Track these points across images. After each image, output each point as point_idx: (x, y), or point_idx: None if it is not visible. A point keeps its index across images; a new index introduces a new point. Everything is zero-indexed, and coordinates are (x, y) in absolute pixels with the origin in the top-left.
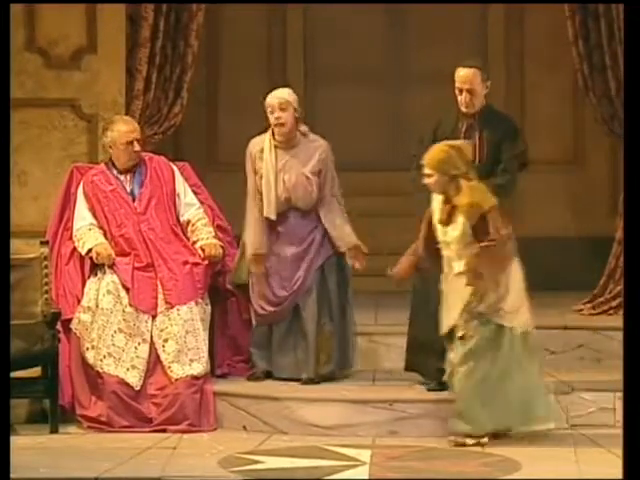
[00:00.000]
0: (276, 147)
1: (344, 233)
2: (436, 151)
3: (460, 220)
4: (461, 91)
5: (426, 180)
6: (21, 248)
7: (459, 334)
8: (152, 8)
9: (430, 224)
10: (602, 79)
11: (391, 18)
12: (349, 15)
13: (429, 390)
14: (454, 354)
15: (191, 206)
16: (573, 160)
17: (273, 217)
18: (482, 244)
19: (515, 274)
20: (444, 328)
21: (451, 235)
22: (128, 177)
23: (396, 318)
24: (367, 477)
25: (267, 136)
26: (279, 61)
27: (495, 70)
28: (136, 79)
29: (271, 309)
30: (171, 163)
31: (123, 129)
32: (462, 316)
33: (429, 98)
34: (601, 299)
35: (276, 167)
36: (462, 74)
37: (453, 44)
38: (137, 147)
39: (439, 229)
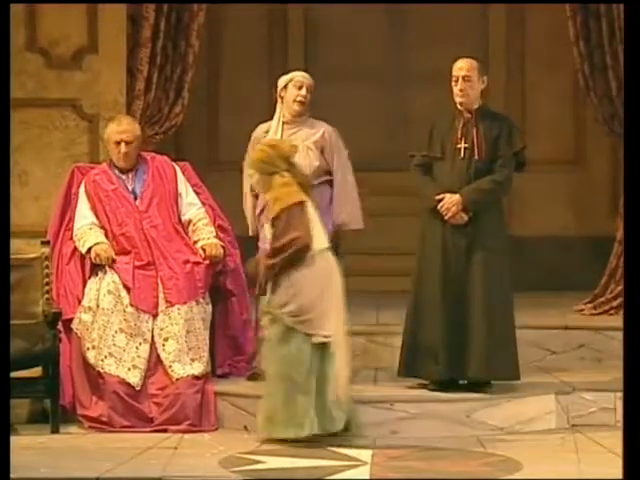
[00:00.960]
0: (284, 123)
1: (336, 209)
2: (255, 151)
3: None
4: (457, 81)
5: (250, 180)
6: (22, 248)
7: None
8: (153, 8)
9: None
10: (603, 79)
11: (392, 18)
12: (350, 15)
13: (430, 390)
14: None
15: (192, 206)
16: (574, 160)
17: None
18: (266, 242)
19: (310, 281)
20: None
21: (266, 230)
22: (130, 176)
23: (397, 318)
24: (368, 477)
25: (275, 117)
26: (280, 61)
27: (496, 70)
28: (137, 79)
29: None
30: (173, 163)
31: (114, 128)
32: (263, 312)
33: (429, 98)
34: (602, 299)
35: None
36: (459, 63)
37: (454, 44)
38: (124, 149)
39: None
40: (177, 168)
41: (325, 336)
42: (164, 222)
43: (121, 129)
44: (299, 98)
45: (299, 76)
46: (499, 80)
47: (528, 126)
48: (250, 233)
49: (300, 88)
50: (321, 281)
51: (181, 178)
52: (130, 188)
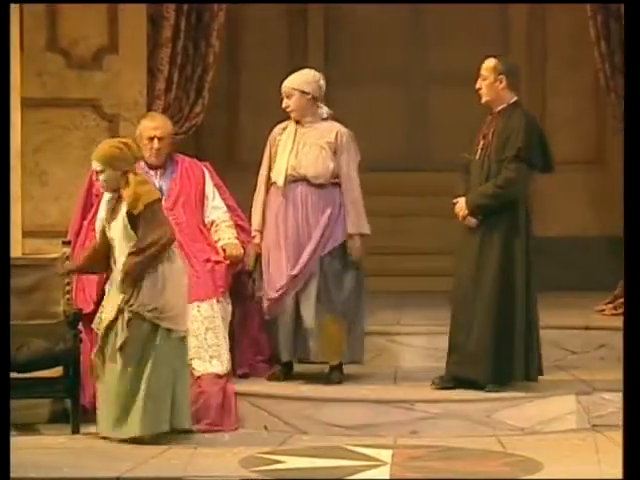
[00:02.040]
0: (297, 122)
1: (350, 218)
2: (107, 147)
3: (121, 213)
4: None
5: (98, 176)
6: (43, 248)
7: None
8: (173, 8)
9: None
10: (624, 79)
11: (413, 17)
12: (370, 14)
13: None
14: (107, 349)
15: (218, 209)
16: (594, 160)
17: (280, 183)
18: (130, 245)
19: (173, 277)
20: (103, 322)
21: (114, 229)
22: (158, 173)
23: (418, 318)
24: (388, 477)
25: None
26: (300, 61)
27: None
28: (157, 79)
29: (273, 295)
30: (203, 166)
31: (147, 124)
32: (119, 312)
33: (450, 98)
34: (623, 299)
35: (294, 139)
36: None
37: (475, 44)
38: (156, 145)
39: (107, 227)
40: (206, 171)
41: (185, 331)
42: (188, 221)
43: (154, 125)
44: (286, 108)
45: (282, 89)
46: (520, 80)
47: (549, 126)
48: (256, 227)
49: (282, 100)
50: (182, 276)
51: (209, 181)
52: (157, 185)
